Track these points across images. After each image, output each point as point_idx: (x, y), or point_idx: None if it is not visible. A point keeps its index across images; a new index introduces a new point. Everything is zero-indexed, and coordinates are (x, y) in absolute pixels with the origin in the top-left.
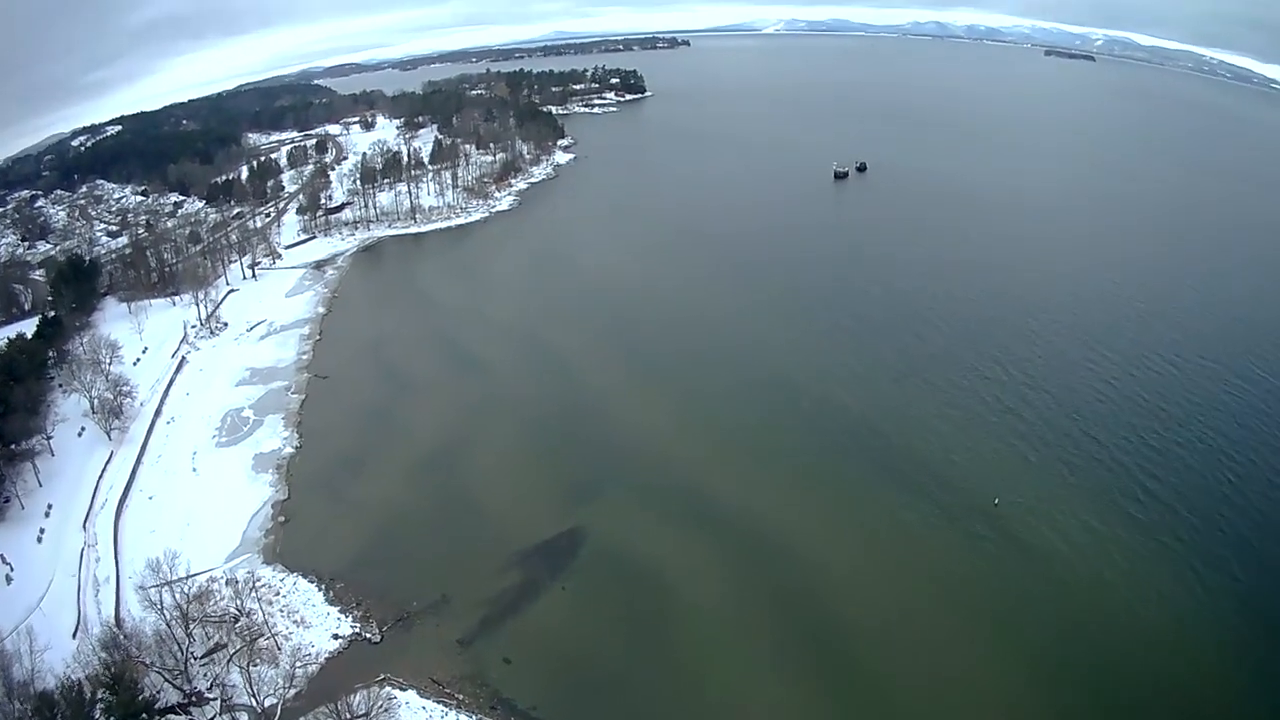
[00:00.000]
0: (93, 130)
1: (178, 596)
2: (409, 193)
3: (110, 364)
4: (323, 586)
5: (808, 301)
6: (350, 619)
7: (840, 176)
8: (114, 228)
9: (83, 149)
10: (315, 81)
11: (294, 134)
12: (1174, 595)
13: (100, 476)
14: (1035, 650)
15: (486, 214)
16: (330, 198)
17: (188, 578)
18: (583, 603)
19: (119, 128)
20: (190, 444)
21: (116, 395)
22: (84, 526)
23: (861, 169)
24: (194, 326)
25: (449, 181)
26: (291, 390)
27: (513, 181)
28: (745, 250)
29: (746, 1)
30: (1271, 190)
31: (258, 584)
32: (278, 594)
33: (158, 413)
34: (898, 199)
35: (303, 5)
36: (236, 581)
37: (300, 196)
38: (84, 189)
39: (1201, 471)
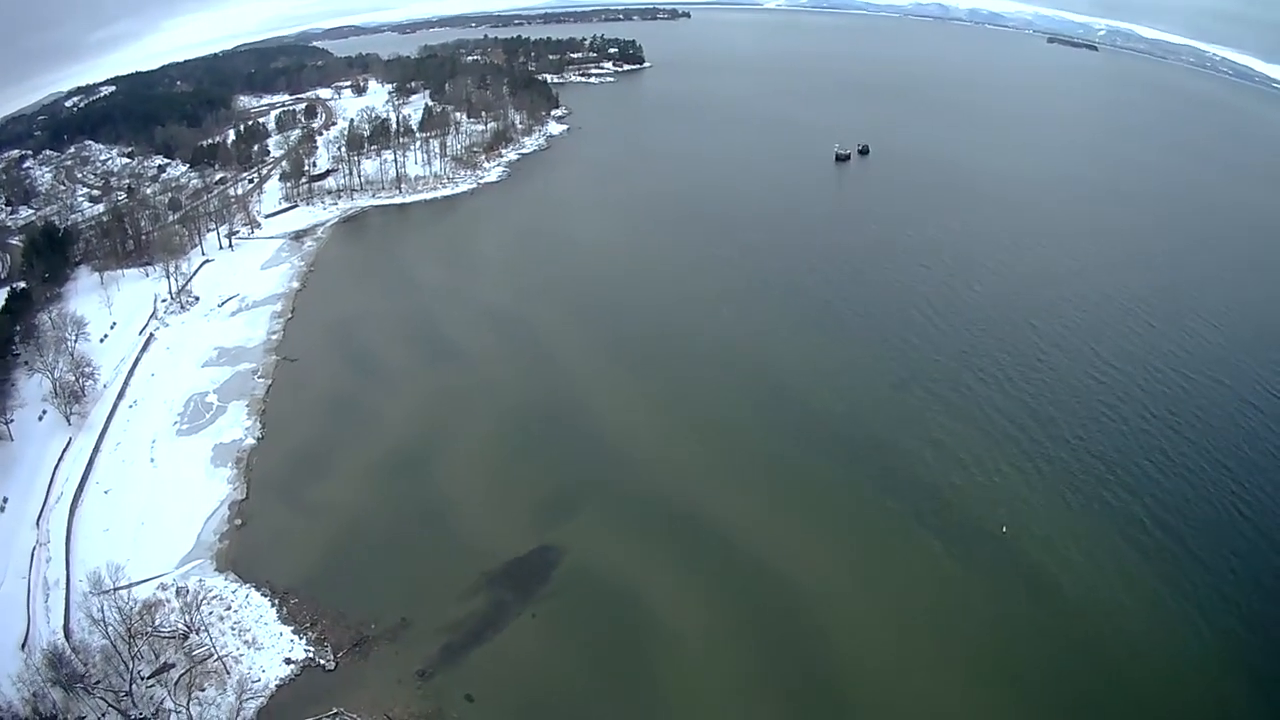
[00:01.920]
0: (87, 91)
1: (125, 609)
2: (395, 161)
3: (75, 342)
4: (276, 601)
5: (806, 292)
6: (304, 641)
7: (842, 159)
8: (96, 192)
9: (75, 109)
10: (314, 43)
11: (285, 97)
12: (1184, 636)
13: (56, 466)
14: (1047, 698)
15: (474, 185)
16: (315, 164)
17: (137, 584)
18: (553, 632)
19: (113, 88)
20: (151, 431)
21: (78, 377)
22: (37, 523)
23: (864, 152)
24: (164, 301)
25: (437, 150)
26: (258, 374)
27: (503, 152)
28: (743, 234)
29: None
30: None
31: (208, 595)
32: (229, 608)
33: (120, 395)
34: (900, 185)
35: None
36: (187, 592)
37: (284, 163)
38: (72, 150)
39: (1212, 501)
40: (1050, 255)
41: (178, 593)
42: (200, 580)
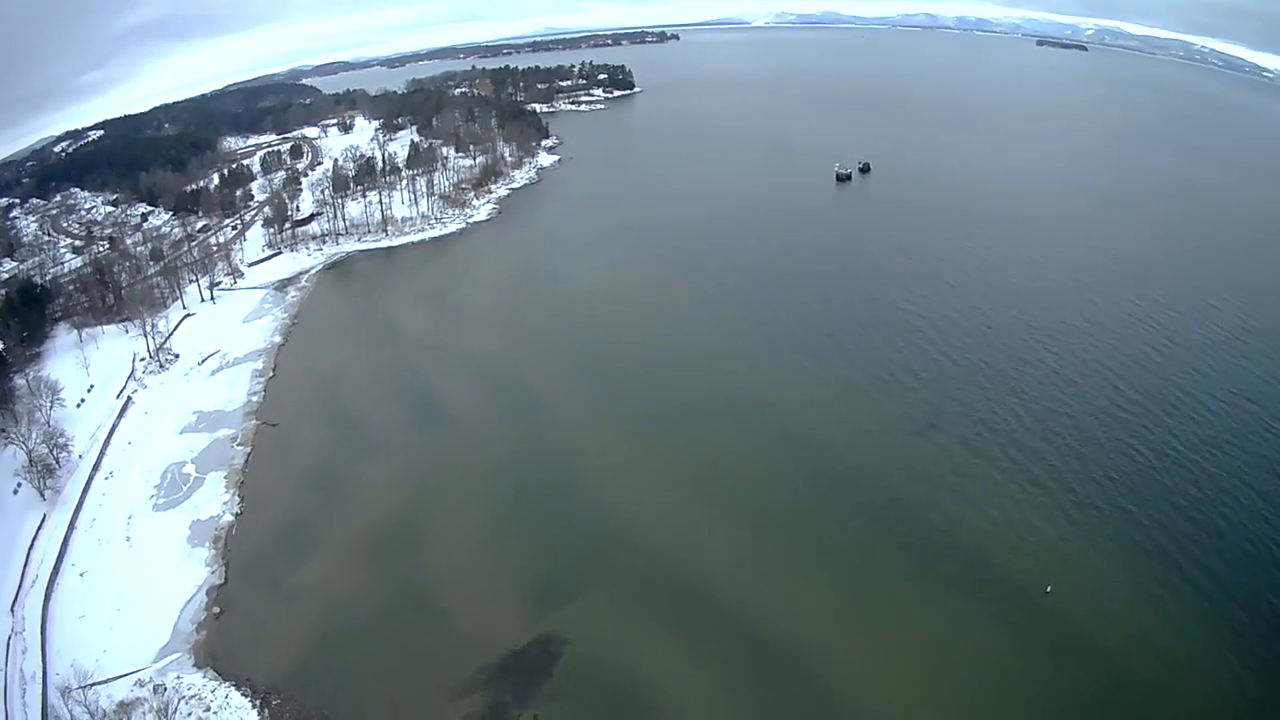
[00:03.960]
0: (76, 135)
1: (101, 712)
2: (381, 202)
3: (51, 408)
4: (258, 702)
5: (814, 327)
6: None
7: (843, 179)
8: (79, 242)
9: (64, 155)
10: (303, 80)
11: (272, 137)
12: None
13: (31, 546)
14: None
15: (463, 225)
16: (298, 208)
17: (114, 679)
18: None
19: (101, 132)
20: (127, 505)
21: (52, 449)
22: (12, 609)
23: (864, 170)
24: (143, 360)
25: (424, 189)
26: (237, 441)
27: (492, 187)
28: (744, 268)
29: None
30: None
31: (187, 695)
32: (208, 709)
33: (96, 467)
34: (904, 204)
35: (293, 3)
36: (164, 690)
37: (267, 208)
38: (58, 198)
39: (1253, 553)
40: (1059, 273)
41: (155, 690)
42: (178, 677)
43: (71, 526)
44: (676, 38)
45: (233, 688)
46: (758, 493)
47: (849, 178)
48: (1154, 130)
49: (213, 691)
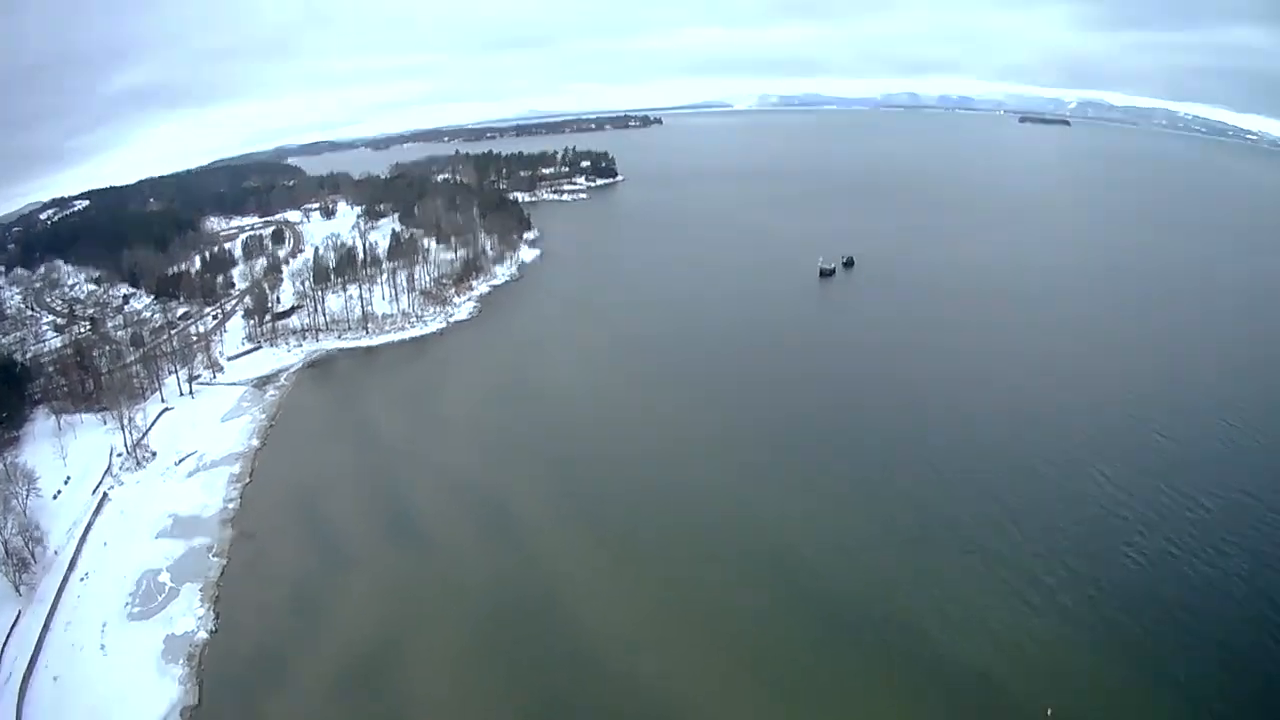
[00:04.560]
0: (62, 204)
1: None
2: (361, 297)
3: (28, 497)
4: None
5: (803, 439)
6: None
7: (826, 274)
8: (61, 320)
9: (49, 224)
10: (288, 160)
11: (254, 219)
12: None
13: (5, 643)
14: None
15: (444, 324)
16: (279, 299)
17: None
18: None
19: (86, 203)
20: (102, 612)
21: (28, 542)
22: None
23: (849, 264)
24: (120, 455)
25: (405, 284)
26: (213, 551)
27: (473, 284)
28: (728, 375)
29: (719, 75)
30: None
31: None
32: None
33: (71, 566)
34: (889, 302)
35: (282, 77)
36: None
37: (247, 298)
38: (42, 270)
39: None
40: (1058, 369)
41: None
42: None
43: (46, 627)
44: (660, 121)
45: None
46: (744, 621)
47: (833, 272)
48: (1136, 206)
49: None
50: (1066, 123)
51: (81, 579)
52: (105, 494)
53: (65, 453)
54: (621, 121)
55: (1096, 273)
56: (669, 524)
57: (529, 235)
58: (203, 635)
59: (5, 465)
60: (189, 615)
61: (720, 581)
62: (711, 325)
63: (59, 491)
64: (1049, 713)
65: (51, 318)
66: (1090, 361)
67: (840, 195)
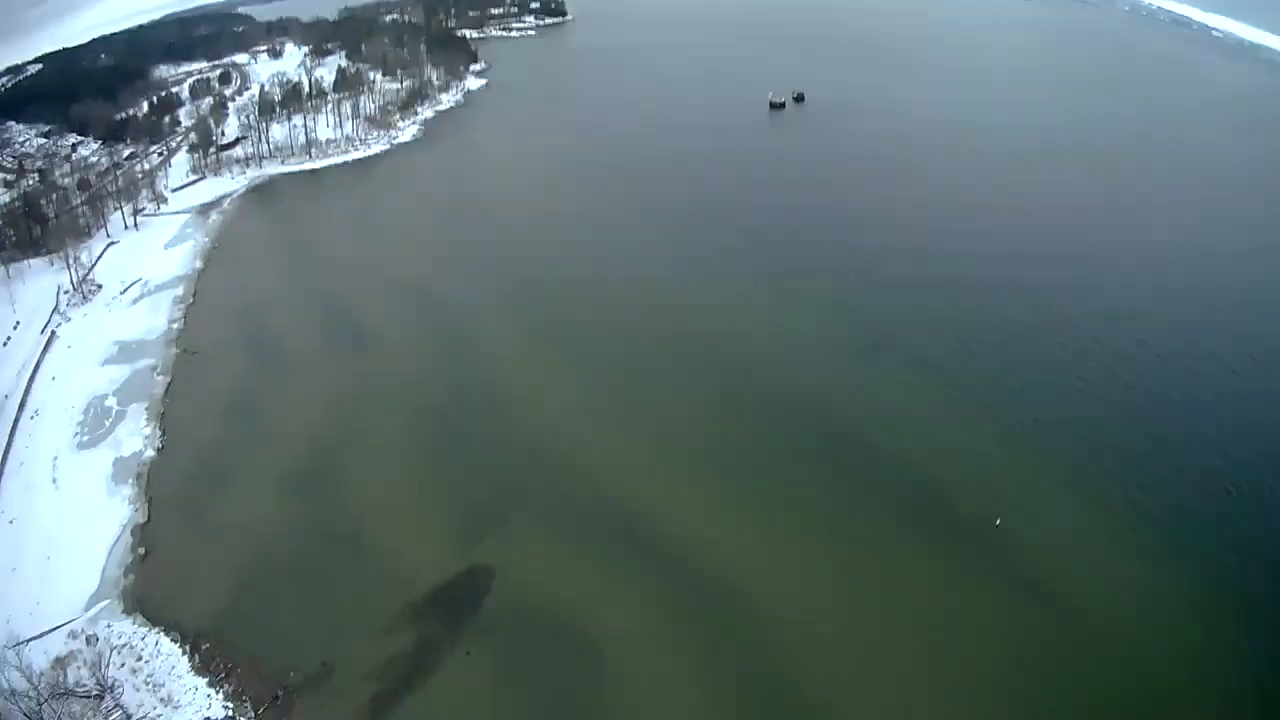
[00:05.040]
0: (15, 70)
1: (33, 671)
2: (305, 126)
3: None
4: (187, 648)
5: (752, 253)
6: (221, 695)
7: (776, 107)
8: (10, 177)
9: (2, 91)
10: (239, 9)
11: (203, 64)
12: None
13: None
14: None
15: (388, 145)
16: (224, 133)
17: (47, 633)
18: (491, 674)
19: (40, 67)
20: (52, 445)
21: None
22: None
23: (799, 99)
24: (67, 292)
25: (349, 112)
26: (158, 371)
27: (418, 110)
28: (672, 192)
29: None
30: None
31: (119, 645)
32: (140, 659)
33: (21, 406)
34: (836, 131)
35: None
36: (96, 640)
37: (193, 134)
38: None
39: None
40: (992, 195)
41: (87, 641)
42: (109, 625)
43: (0, 473)
44: None
45: (162, 634)
46: (693, 417)
47: (783, 106)
48: (1097, 75)
49: (142, 639)
50: None
51: (31, 417)
52: (53, 333)
53: (14, 299)
54: None
55: (1043, 125)
56: (615, 325)
57: (476, 67)
58: (150, 454)
59: None
60: (136, 436)
61: (667, 377)
62: (659, 152)
63: (8, 338)
64: (997, 523)
65: (1, 175)
66: (1027, 187)
67: (794, 42)
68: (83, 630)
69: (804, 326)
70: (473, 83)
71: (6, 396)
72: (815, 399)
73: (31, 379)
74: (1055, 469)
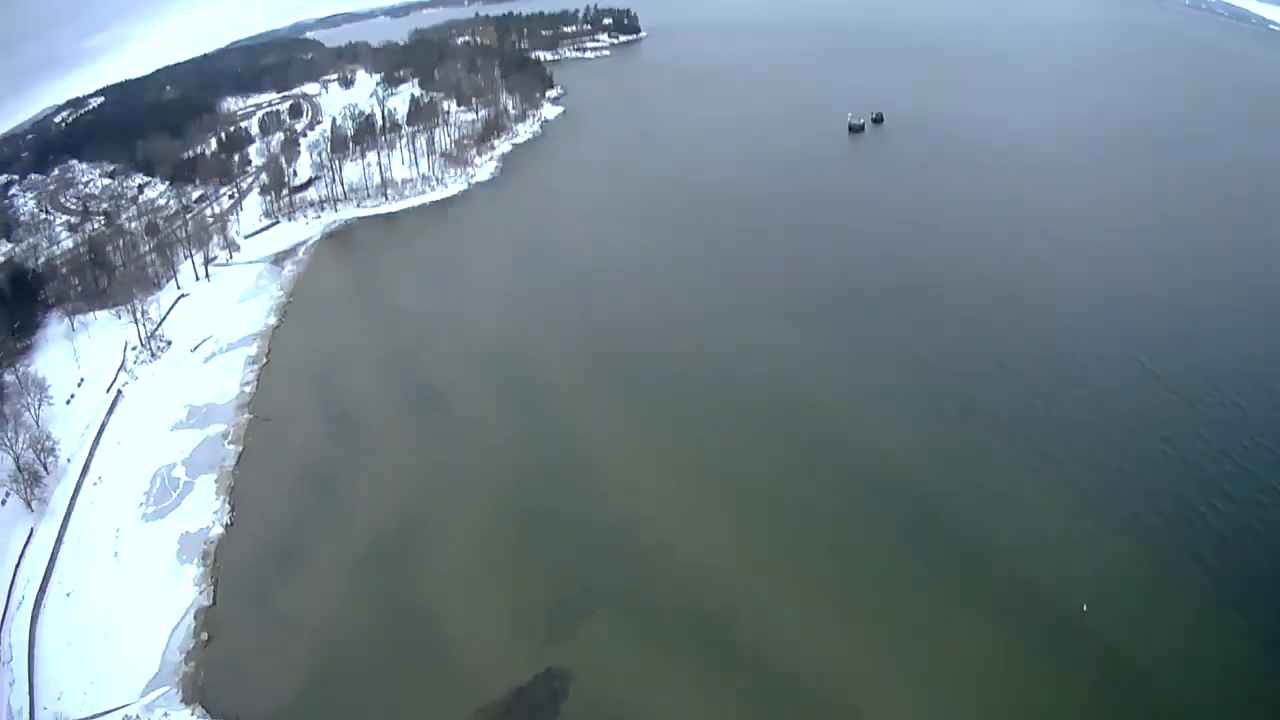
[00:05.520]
0: (77, 104)
1: None
2: (380, 164)
3: (39, 406)
4: None
5: (844, 302)
6: None
7: (856, 129)
8: (75, 219)
9: (64, 125)
10: (306, 34)
11: (272, 95)
12: None
13: (19, 563)
14: None
15: (465, 185)
16: (295, 172)
17: (101, 716)
18: None
19: (101, 100)
20: (115, 516)
21: (39, 454)
22: None
23: (878, 120)
24: (134, 348)
25: (424, 147)
26: (229, 439)
27: (495, 143)
28: (759, 230)
29: None
30: None
31: None
32: None
33: (84, 471)
34: (919, 157)
35: None
36: None
37: (264, 174)
38: (56, 172)
39: None
40: (1077, 234)
41: None
42: (166, 714)
43: (59, 541)
44: None
45: None
46: (784, 499)
47: (862, 128)
48: (1168, 80)
49: None
50: None
51: (94, 484)
52: (119, 391)
53: (78, 354)
54: None
55: (1121, 138)
56: (703, 393)
57: (551, 93)
58: (218, 530)
59: (17, 376)
60: (204, 510)
61: (757, 453)
62: (739, 181)
63: (72, 396)
64: (1084, 609)
65: (66, 218)
66: (1113, 227)
67: (869, 55)
68: (138, 717)
69: (893, 390)
70: (549, 110)
71: (69, 460)
72: (906, 473)
73: (96, 442)
74: (1149, 554)
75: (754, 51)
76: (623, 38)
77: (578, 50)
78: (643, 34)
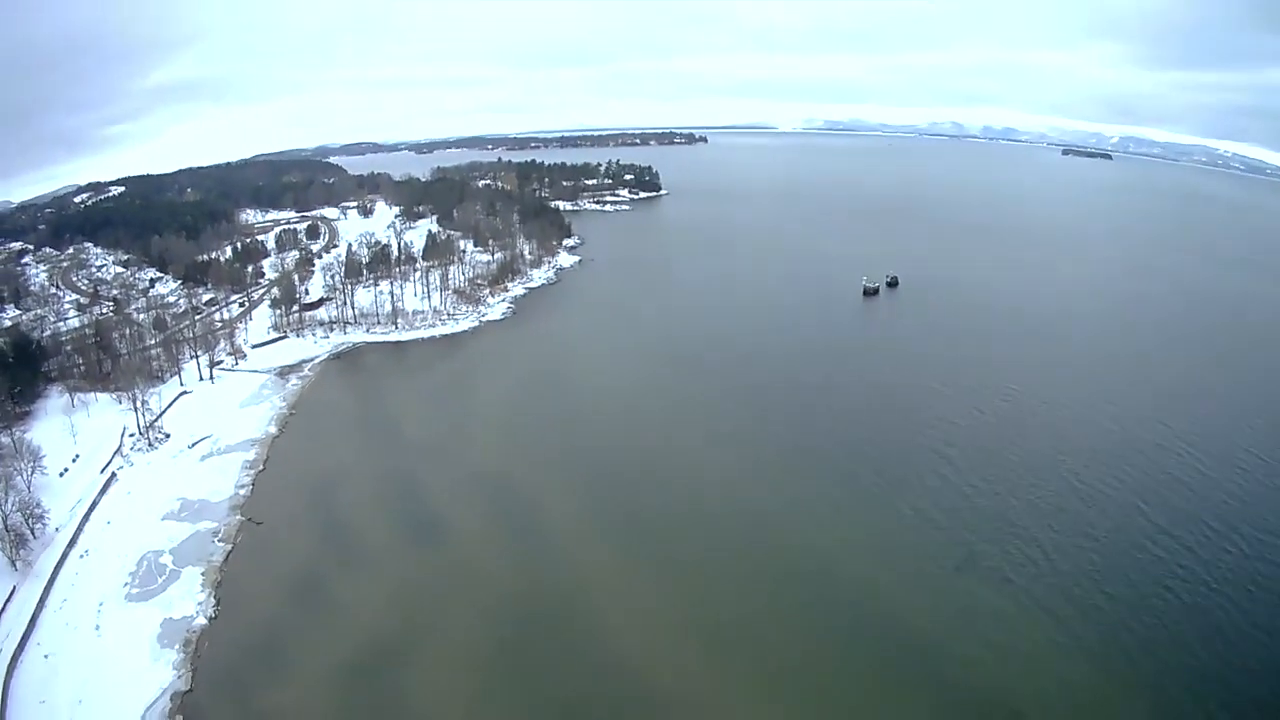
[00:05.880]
0: (97, 188)
1: None
2: (392, 293)
3: (32, 474)
4: None
5: (846, 460)
6: None
7: (870, 293)
8: (84, 300)
9: (82, 206)
10: (330, 159)
11: (290, 214)
12: None
13: None
14: None
15: (476, 322)
16: (308, 291)
17: None
18: None
19: (121, 189)
20: (99, 591)
21: (27, 518)
22: None
23: (892, 284)
24: (132, 435)
25: (438, 282)
26: (219, 537)
27: (509, 285)
28: (769, 388)
29: (764, 98)
30: None
31: None
32: None
33: (72, 543)
34: (932, 321)
35: (327, 79)
36: None
37: (276, 289)
38: (70, 251)
39: None
40: (1092, 402)
41: None
42: None
43: (41, 604)
44: (704, 140)
45: None
46: (777, 638)
47: (876, 291)
48: (1179, 238)
49: None
50: (1109, 156)
51: (81, 556)
52: (114, 474)
53: (75, 431)
54: (667, 138)
55: (1132, 300)
56: (702, 539)
57: (569, 242)
58: (201, 621)
59: (13, 440)
60: (188, 599)
61: (751, 598)
62: (751, 341)
63: (66, 469)
64: None
65: (75, 297)
66: (1128, 388)
67: (883, 217)
68: None
69: (896, 542)
70: (565, 258)
71: (58, 530)
72: (907, 622)
73: (87, 517)
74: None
75: (771, 213)
76: (643, 194)
77: (597, 203)
78: (663, 192)
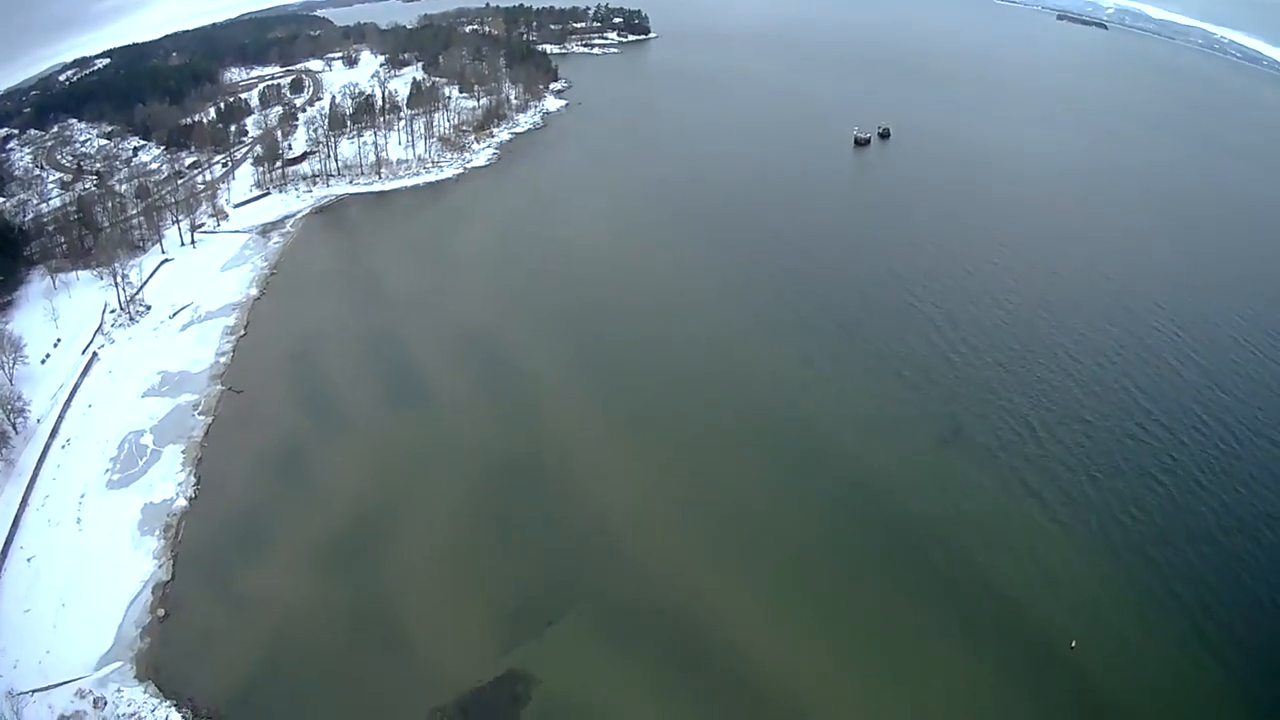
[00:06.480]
0: (83, 64)
1: None
2: (375, 143)
3: (14, 365)
4: None
5: (834, 313)
6: None
7: (861, 143)
8: (68, 177)
9: (67, 84)
10: (317, 11)
11: (275, 69)
12: None
13: None
14: None
15: (461, 170)
16: (291, 146)
17: (54, 687)
18: None
19: (107, 61)
20: (81, 481)
21: (9, 414)
22: None
23: (884, 135)
24: (113, 311)
25: (422, 130)
26: (199, 410)
27: (495, 131)
28: (757, 236)
29: None
30: None
31: (126, 713)
32: None
33: (53, 433)
34: (923, 173)
35: None
36: (104, 703)
37: (259, 146)
38: (55, 129)
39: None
40: (1081, 261)
41: (94, 704)
42: (119, 690)
43: (24, 504)
44: None
45: (173, 708)
46: (759, 506)
47: (868, 142)
48: (1178, 118)
49: (153, 711)
50: (1104, 26)
51: (63, 447)
52: (95, 354)
53: (58, 314)
54: None
55: (1127, 172)
56: (687, 397)
57: (556, 85)
58: (181, 503)
59: None
60: (169, 481)
61: (736, 460)
62: (739, 186)
63: (47, 355)
64: (1072, 645)
65: (59, 175)
66: (1121, 254)
67: (877, 68)
68: (90, 691)
69: (881, 409)
70: (552, 103)
71: (39, 421)
72: (887, 492)
73: (67, 404)
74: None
75: (764, 59)
76: (632, 37)
77: (585, 46)
78: (652, 35)
